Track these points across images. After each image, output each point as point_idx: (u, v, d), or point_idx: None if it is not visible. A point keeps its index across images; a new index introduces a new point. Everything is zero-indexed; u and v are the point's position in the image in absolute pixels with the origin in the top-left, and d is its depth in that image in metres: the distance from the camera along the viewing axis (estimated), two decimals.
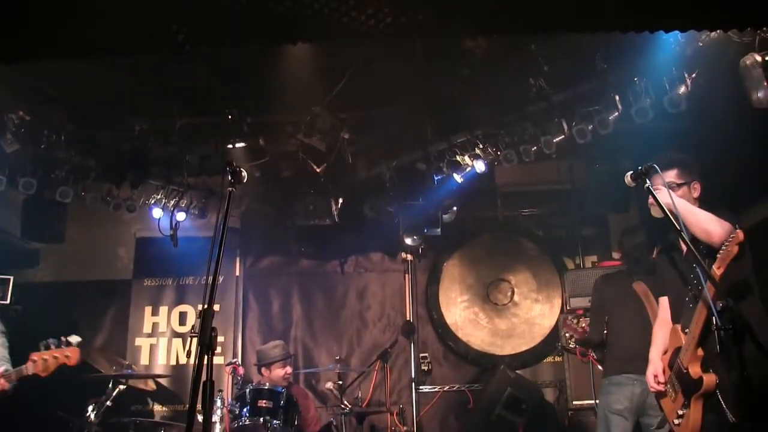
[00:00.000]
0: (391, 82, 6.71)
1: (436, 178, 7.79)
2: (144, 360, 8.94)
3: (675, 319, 4.51)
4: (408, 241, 8.38)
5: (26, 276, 8.95)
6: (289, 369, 7.26)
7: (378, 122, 7.61)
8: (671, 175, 4.50)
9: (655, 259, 5.07)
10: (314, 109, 6.94)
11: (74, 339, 5.36)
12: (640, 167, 4.21)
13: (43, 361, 5.15)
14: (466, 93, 6.90)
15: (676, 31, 5.05)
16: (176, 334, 8.99)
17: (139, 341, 9.04)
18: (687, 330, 4.21)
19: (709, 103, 5.86)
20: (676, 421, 4.31)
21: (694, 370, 4.13)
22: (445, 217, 8.52)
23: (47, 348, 5.23)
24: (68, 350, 5.31)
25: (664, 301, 4.81)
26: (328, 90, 6.78)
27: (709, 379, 4.05)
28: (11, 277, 8.02)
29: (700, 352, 4.12)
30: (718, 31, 5.00)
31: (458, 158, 7.44)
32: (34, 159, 7.34)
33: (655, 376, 4.54)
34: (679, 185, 4.48)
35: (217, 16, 3.79)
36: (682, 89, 5.75)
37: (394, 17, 3.71)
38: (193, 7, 3.66)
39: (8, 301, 7.87)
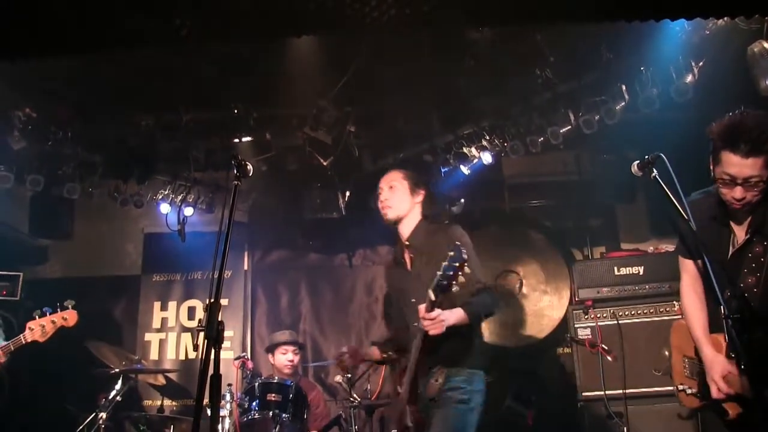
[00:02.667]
0: (397, 74, 6.69)
1: (443, 170, 7.78)
2: (153, 355, 8.97)
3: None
4: None
5: (35, 272, 8.99)
6: (292, 356, 7.28)
7: (384, 115, 7.60)
8: (756, 166, 3.63)
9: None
10: (320, 102, 6.93)
11: (69, 303, 5.42)
12: (646, 156, 4.19)
13: (40, 327, 5.22)
14: (471, 84, 6.88)
15: (683, 19, 5.02)
16: (185, 329, 9.01)
17: (148, 336, 9.07)
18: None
19: (716, 91, 5.82)
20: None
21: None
22: (453, 209, 8.49)
23: (43, 315, 5.26)
24: (65, 313, 5.40)
25: (691, 264, 4.18)
26: (333, 83, 6.77)
27: None
28: (21, 274, 8.05)
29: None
30: (725, 18, 4.97)
31: (465, 150, 7.43)
32: (41, 156, 7.39)
33: (729, 373, 3.67)
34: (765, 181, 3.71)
35: (220, 9, 3.79)
36: (689, 78, 5.73)
37: (398, 8, 3.71)
38: (197, 0, 3.66)
39: (18, 297, 7.90)
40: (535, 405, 7.46)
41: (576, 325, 7.25)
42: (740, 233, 3.93)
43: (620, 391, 6.20)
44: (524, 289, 9.02)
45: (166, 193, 8.34)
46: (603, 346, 6.72)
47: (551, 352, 8.84)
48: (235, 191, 3.45)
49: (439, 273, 3.85)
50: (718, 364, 3.72)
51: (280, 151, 7.69)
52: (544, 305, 8.91)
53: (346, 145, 7.31)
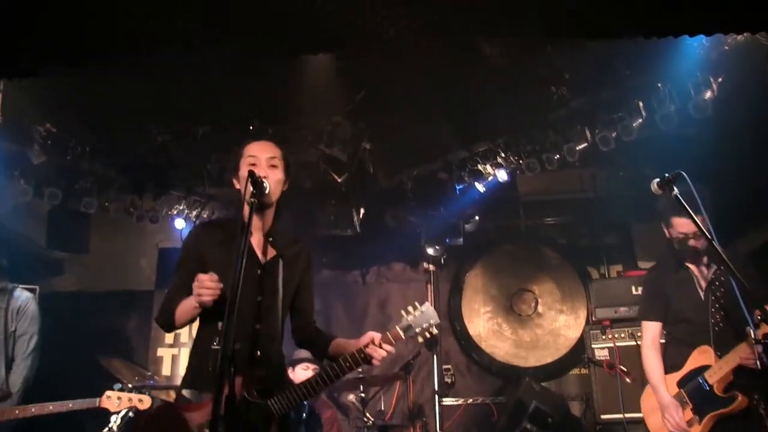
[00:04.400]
0: (412, 90, 6.67)
1: (457, 188, 7.74)
2: (165, 371, 8.95)
3: (695, 340, 4.74)
4: (430, 251, 8.34)
5: (51, 285, 8.99)
6: (312, 374, 7.22)
7: (399, 131, 7.57)
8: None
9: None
10: (335, 118, 6.92)
11: (148, 393, 5.51)
12: (666, 174, 4.14)
13: (117, 399, 5.24)
14: (486, 101, 6.84)
15: (701, 35, 4.97)
16: None
17: (161, 351, 9.05)
18: (719, 353, 4.53)
19: (736, 108, 5.75)
20: None
21: (722, 388, 4.49)
22: (467, 226, 8.46)
23: (122, 390, 5.32)
24: (142, 396, 5.42)
25: (654, 325, 5.08)
26: (348, 99, 6.76)
27: (743, 400, 4.44)
28: (37, 287, 8.07)
29: (731, 376, 4.45)
30: (745, 33, 4.91)
31: (480, 167, 7.39)
32: (60, 170, 7.44)
33: (678, 407, 4.76)
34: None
35: (240, 25, 3.78)
36: (708, 94, 5.65)
37: (412, 25, 3.69)
38: (216, 15, 3.65)
39: None
40: (552, 427, 7.34)
41: (593, 346, 7.16)
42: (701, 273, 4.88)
43: (640, 414, 6.11)
44: (540, 308, 8.96)
45: (181, 208, 8.36)
46: (621, 367, 6.63)
47: (568, 372, 8.75)
48: (252, 209, 3.38)
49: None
50: (671, 405, 4.71)
51: (294, 167, 7.67)
52: (561, 325, 8.84)
53: (360, 161, 7.28)
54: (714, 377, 4.52)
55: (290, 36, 3.91)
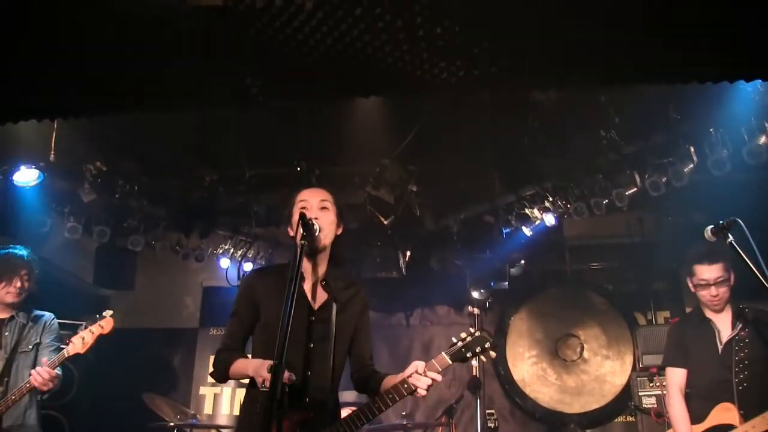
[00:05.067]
0: (460, 134, 6.69)
1: (504, 231, 7.71)
2: (207, 409, 8.96)
3: (715, 395, 4.76)
4: (475, 294, 8.30)
5: (96, 322, 9.08)
6: None
7: (446, 175, 7.59)
8: (720, 269, 4.86)
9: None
10: (383, 160, 6.95)
11: (107, 312, 5.48)
12: (721, 221, 4.10)
13: (80, 338, 5.24)
14: (535, 145, 6.82)
15: (758, 80, 4.92)
16: (240, 384, 8.97)
17: (203, 390, 9.07)
18: (743, 412, 4.55)
19: None
20: None
21: None
22: (513, 270, 8.42)
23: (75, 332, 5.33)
24: (102, 321, 5.41)
25: (679, 372, 5.08)
26: (396, 142, 6.79)
27: None
28: (84, 323, 8.14)
29: None
30: None
31: (527, 211, 7.36)
32: (109, 208, 7.53)
33: None
34: (727, 279, 4.87)
35: (290, 68, 3.81)
36: (763, 139, 5.56)
37: (466, 70, 3.69)
38: (267, 61, 3.69)
39: None
40: None
41: (640, 393, 7.05)
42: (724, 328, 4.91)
43: None
44: (585, 354, 8.85)
45: (226, 247, 8.44)
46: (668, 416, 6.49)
47: (613, 420, 8.60)
48: (302, 251, 3.39)
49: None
50: None
51: (341, 208, 7.72)
52: (606, 371, 8.72)
53: (407, 204, 7.29)
54: None
55: (341, 79, 3.94)
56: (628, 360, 8.59)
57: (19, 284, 5.44)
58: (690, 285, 5.07)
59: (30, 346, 5.47)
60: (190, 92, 3.97)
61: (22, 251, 5.59)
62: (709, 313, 5.00)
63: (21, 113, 3.84)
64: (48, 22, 3.17)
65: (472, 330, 3.59)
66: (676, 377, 5.07)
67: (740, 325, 4.83)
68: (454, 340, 3.56)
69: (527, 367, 8.94)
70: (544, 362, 8.91)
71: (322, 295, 3.75)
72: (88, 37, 3.26)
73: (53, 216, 7.41)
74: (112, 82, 3.67)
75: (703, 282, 4.90)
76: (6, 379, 5.30)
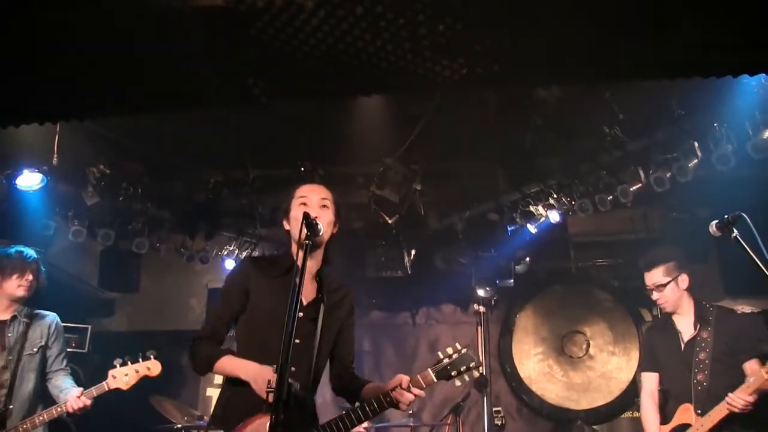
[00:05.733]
0: (464, 132, 6.68)
1: (509, 229, 7.70)
2: None
3: (681, 395, 4.86)
4: (480, 292, 8.29)
5: (101, 325, 9.11)
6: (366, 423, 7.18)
7: (450, 173, 7.59)
8: (658, 274, 5.05)
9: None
10: (386, 160, 6.94)
11: (152, 353, 5.46)
12: (726, 216, 4.10)
13: (124, 375, 5.23)
14: (539, 142, 6.82)
15: (762, 74, 4.90)
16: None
17: (210, 392, 9.07)
18: (699, 411, 4.63)
19: None
20: None
21: None
22: (518, 268, 8.41)
23: (124, 364, 5.29)
24: (149, 363, 5.41)
25: (651, 376, 5.23)
26: (400, 141, 6.78)
27: None
28: (89, 326, 8.16)
29: None
30: None
31: (532, 208, 7.35)
32: (113, 211, 7.55)
33: None
34: (665, 284, 5.01)
35: (292, 69, 3.80)
36: (767, 134, 5.54)
37: (469, 68, 3.68)
38: (269, 60, 3.69)
39: (86, 350, 8.00)
40: None
41: (641, 390, 7.02)
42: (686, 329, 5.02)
43: None
44: (591, 350, 8.85)
45: (231, 249, 8.44)
46: None
47: (620, 416, 8.58)
48: (306, 251, 3.38)
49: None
50: None
51: (345, 208, 7.70)
52: (612, 367, 8.71)
53: (411, 203, 7.28)
54: None
55: (343, 79, 3.93)
56: (634, 356, 8.58)
57: (30, 277, 5.45)
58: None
59: (35, 349, 5.46)
60: (193, 93, 3.96)
61: (30, 249, 5.61)
62: (674, 315, 5.13)
63: (22, 116, 3.83)
64: (48, 23, 3.17)
65: (458, 346, 3.58)
66: (647, 381, 5.25)
67: (699, 326, 4.93)
68: (440, 356, 3.56)
69: (533, 364, 8.93)
70: (550, 359, 8.90)
71: (312, 292, 3.75)
72: (88, 37, 3.25)
73: (57, 220, 7.43)
74: (113, 84, 3.67)
75: (647, 287, 5.18)
76: (12, 381, 5.29)
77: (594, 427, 7.84)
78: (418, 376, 3.47)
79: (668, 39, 3.47)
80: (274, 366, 2.97)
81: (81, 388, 5.23)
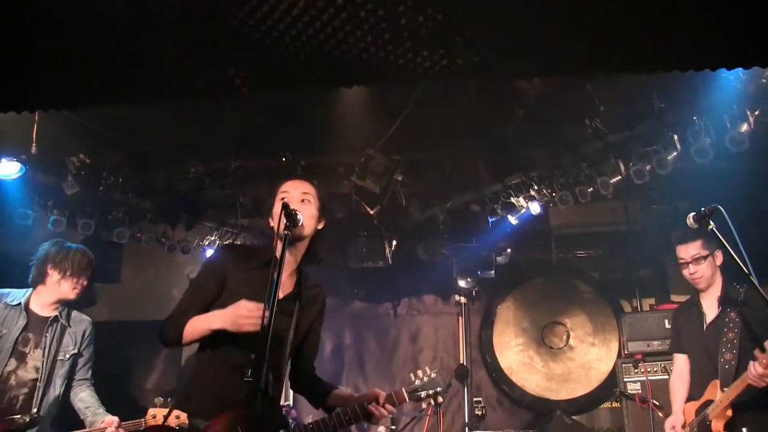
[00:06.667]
0: (445, 123, 6.69)
1: (490, 220, 7.73)
2: None
3: (707, 374, 4.87)
4: (462, 283, 8.31)
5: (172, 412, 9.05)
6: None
7: (432, 164, 7.60)
8: (696, 247, 5.03)
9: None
10: (368, 150, 6.95)
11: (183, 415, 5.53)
12: (703, 209, 4.15)
13: (162, 416, 5.26)
14: (520, 134, 6.83)
15: (739, 68, 4.93)
16: None
17: None
18: (725, 388, 4.59)
19: None
20: None
21: (717, 427, 4.54)
22: (499, 259, 8.44)
23: (164, 405, 5.34)
24: (179, 413, 5.44)
25: (680, 357, 5.31)
26: (381, 132, 6.78)
27: None
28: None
29: (729, 412, 4.51)
30: None
31: (513, 200, 7.37)
32: (93, 201, 7.50)
33: (673, 427, 5.07)
34: (705, 257, 5.00)
35: (273, 59, 3.80)
36: (744, 127, 5.58)
37: (450, 59, 3.68)
38: (250, 50, 3.68)
39: None
40: None
41: (625, 379, 7.09)
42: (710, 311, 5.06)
43: None
44: (571, 341, 8.90)
45: (212, 239, 8.41)
46: (654, 401, 6.54)
47: (599, 406, 8.64)
48: (285, 241, 3.40)
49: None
50: (668, 424, 5.08)
51: (327, 199, 7.71)
52: (592, 358, 8.77)
53: (393, 194, 7.29)
54: (713, 412, 4.58)
55: (324, 69, 3.93)
56: (614, 347, 8.63)
57: (85, 282, 5.42)
58: (680, 268, 5.24)
59: (67, 356, 5.37)
60: (174, 83, 3.95)
61: (89, 252, 5.56)
62: (700, 296, 5.17)
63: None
64: (25, 12, 3.15)
65: (428, 370, 3.79)
66: (677, 363, 5.33)
67: (722, 308, 4.94)
68: (412, 377, 3.77)
69: (514, 355, 8.97)
70: (530, 350, 8.95)
71: (290, 287, 3.75)
72: (66, 27, 3.24)
73: (36, 209, 7.34)
74: (91, 74, 3.65)
75: (682, 261, 5.14)
76: (41, 385, 5.19)
77: (573, 417, 7.88)
78: (393, 394, 3.63)
79: (648, 33, 3.49)
80: (252, 356, 2.97)
81: (116, 418, 5.20)
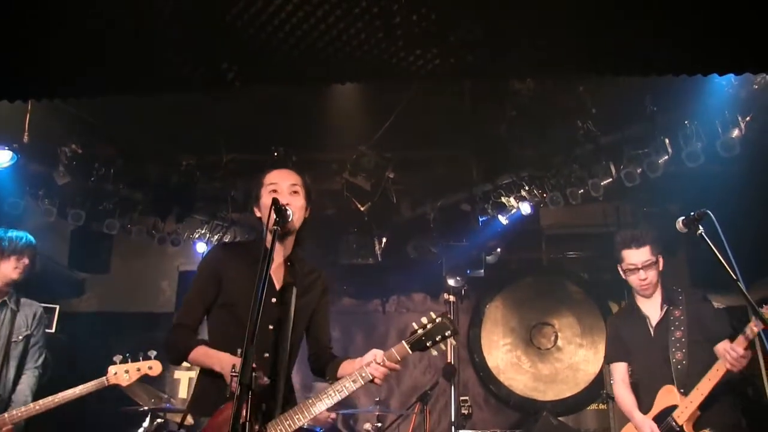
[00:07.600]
0: (438, 122, 6.70)
1: (480, 220, 7.74)
2: (182, 393, 8.94)
3: (657, 378, 4.76)
4: (451, 281, 8.33)
5: (71, 305, 9.05)
6: (332, 414, 7.23)
7: (423, 162, 7.61)
8: (647, 252, 4.88)
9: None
10: (360, 148, 6.95)
11: (152, 353, 5.45)
12: (692, 213, 4.16)
13: (124, 372, 5.21)
14: (512, 134, 6.84)
15: (731, 74, 4.95)
16: None
17: (178, 374, 9.06)
18: (683, 391, 4.55)
19: (765, 146, 5.71)
20: None
21: (691, 426, 4.46)
22: (489, 258, 8.45)
23: (124, 361, 5.27)
24: (151, 362, 5.40)
25: (620, 366, 5.11)
26: (374, 129, 6.79)
27: None
28: (57, 306, 8.11)
29: (697, 412, 4.45)
30: None
31: (503, 200, 7.39)
32: (84, 191, 7.49)
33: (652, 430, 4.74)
34: (654, 263, 4.87)
35: (267, 54, 3.80)
36: (736, 132, 5.61)
37: (442, 59, 3.69)
38: (243, 45, 3.67)
39: (53, 330, 7.95)
40: None
41: (612, 381, 7.09)
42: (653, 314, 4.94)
43: None
44: (559, 342, 8.92)
45: (203, 232, 8.41)
46: None
47: (586, 407, 8.67)
48: (275, 237, 3.39)
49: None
50: (645, 424, 4.68)
51: (318, 195, 7.71)
52: (580, 359, 8.79)
53: (384, 191, 7.29)
54: (682, 417, 4.48)
55: (317, 65, 3.93)
56: (602, 348, 8.62)
57: (27, 261, 5.41)
58: (621, 272, 5.05)
59: (20, 337, 5.41)
60: (167, 76, 3.94)
61: (29, 235, 5.57)
62: (639, 301, 5.03)
63: None
64: (19, 2, 3.14)
65: (433, 315, 3.56)
66: (619, 371, 5.13)
67: (667, 307, 4.86)
68: (415, 326, 3.54)
69: (502, 354, 8.99)
70: (518, 350, 8.97)
71: (285, 277, 3.73)
72: (60, 18, 3.23)
73: (27, 198, 7.35)
74: (85, 65, 3.64)
75: (631, 266, 4.90)
76: (0, 370, 5.25)
77: (560, 418, 7.89)
78: (393, 350, 3.46)
79: (642, 36, 3.50)
80: (239, 350, 2.97)
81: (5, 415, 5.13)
